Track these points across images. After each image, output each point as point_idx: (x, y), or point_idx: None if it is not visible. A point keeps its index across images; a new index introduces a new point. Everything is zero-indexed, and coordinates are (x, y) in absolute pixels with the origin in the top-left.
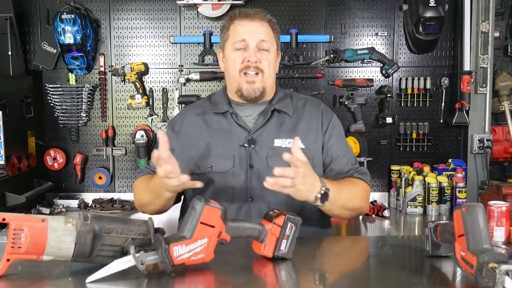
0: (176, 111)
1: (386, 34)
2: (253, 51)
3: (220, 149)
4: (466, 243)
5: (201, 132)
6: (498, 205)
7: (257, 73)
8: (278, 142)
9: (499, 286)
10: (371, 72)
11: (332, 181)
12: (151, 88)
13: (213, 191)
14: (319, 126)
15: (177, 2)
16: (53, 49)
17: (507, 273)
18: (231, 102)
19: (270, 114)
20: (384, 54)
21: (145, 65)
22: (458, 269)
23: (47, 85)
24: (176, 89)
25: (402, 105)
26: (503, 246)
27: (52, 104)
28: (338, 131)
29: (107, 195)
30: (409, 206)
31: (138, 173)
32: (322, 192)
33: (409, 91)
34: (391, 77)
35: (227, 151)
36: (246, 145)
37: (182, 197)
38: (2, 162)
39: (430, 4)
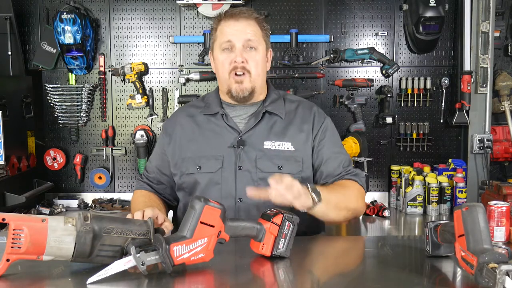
0: None
1: (386, 34)
2: (239, 51)
3: (209, 150)
4: (466, 243)
5: (192, 133)
6: (498, 205)
7: (243, 73)
8: (267, 144)
9: (499, 286)
10: (371, 72)
11: (319, 185)
12: (151, 88)
13: (201, 192)
14: (310, 128)
15: (177, 2)
16: (53, 49)
17: (507, 273)
18: (223, 103)
19: (262, 115)
20: (384, 54)
21: (145, 65)
22: (458, 269)
23: (47, 85)
24: (176, 89)
25: (402, 105)
26: (503, 246)
27: (52, 104)
28: (331, 133)
29: (107, 195)
30: (409, 206)
31: (138, 180)
32: (310, 187)
33: (409, 91)
34: (391, 77)
35: (216, 152)
36: (235, 146)
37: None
38: (2, 162)
39: (430, 4)
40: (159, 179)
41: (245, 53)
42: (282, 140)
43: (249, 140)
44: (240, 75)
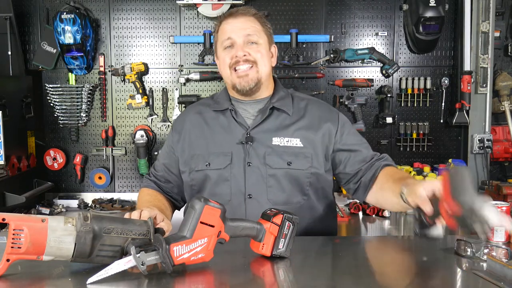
0: (176, 111)
1: (386, 34)
2: (240, 46)
3: (218, 146)
4: (451, 193)
5: (201, 130)
6: (498, 205)
7: (251, 66)
8: (276, 141)
9: (484, 226)
10: (371, 72)
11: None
12: (151, 88)
13: (211, 188)
14: (329, 127)
15: (177, 2)
16: (53, 49)
17: (490, 210)
18: (232, 99)
19: (269, 112)
20: (384, 54)
21: (145, 65)
22: (459, 269)
23: (47, 85)
24: (176, 89)
25: (402, 105)
26: (503, 246)
27: (52, 104)
28: (348, 126)
29: (107, 195)
30: None
31: (145, 178)
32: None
33: (409, 91)
34: (391, 77)
35: (225, 148)
36: (243, 142)
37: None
38: (2, 162)
39: (430, 4)
40: (167, 177)
41: (246, 47)
42: (291, 136)
43: (257, 136)
44: (244, 68)
